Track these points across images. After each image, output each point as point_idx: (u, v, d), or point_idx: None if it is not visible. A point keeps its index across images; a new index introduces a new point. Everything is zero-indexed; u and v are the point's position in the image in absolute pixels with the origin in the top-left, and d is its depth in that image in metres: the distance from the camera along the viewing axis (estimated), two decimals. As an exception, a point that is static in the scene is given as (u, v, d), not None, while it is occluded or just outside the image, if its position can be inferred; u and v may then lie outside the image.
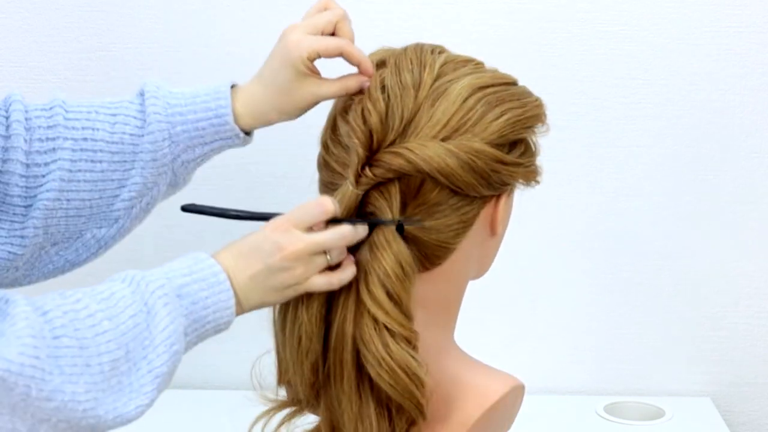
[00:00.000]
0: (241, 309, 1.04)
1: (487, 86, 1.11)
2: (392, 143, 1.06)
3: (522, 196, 1.96)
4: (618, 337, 2.05)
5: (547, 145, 1.99)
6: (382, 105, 1.07)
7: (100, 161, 1.16)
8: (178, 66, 1.94)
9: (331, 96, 1.14)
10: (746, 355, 2.06)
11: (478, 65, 1.16)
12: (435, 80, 1.09)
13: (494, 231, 1.12)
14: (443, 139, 1.06)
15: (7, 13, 1.93)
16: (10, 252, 1.15)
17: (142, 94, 1.21)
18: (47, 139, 1.17)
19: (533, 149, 1.16)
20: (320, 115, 1.17)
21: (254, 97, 1.18)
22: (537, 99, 1.17)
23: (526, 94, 1.16)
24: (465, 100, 1.08)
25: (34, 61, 1.94)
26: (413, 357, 1.05)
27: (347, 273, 1.05)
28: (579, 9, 1.94)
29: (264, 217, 1.06)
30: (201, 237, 1.99)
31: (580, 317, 2.05)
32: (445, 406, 1.10)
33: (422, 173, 1.05)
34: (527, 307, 2.05)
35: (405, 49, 1.13)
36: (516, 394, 1.16)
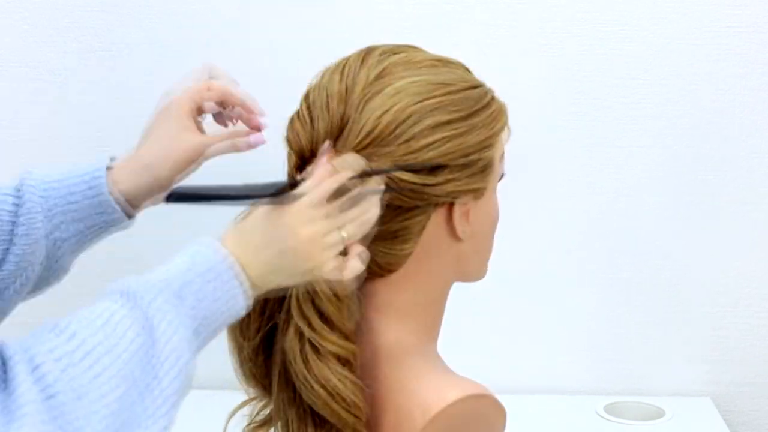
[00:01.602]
0: (256, 293, 0.99)
1: (427, 95, 1.04)
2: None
3: (522, 196, 1.97)
4: (618, 337, 2.06)
5: (547, 145, 2.00)
6: (306, 117, 1.06)
7: None
8: (178, 66, 1.93)
9: (218, 151, 1.13)
10: (746, 355, 2.06)
11: (434, 65, 1.07)
12: (368, 85, 1.05)
13: (455, 237, 1.08)
14: (364, 149, 1.03)
15: (7, 13, 1.93)
16: None
17: (19, 178, 1.16)
18: None
19: (478, 165, 1.07)
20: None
21: (138, 157, 1.14)
22: (490, 114, 1.08)
23: (479, 106, 1.07)
24: (391, 108, 1.03)
25: (34, 61, 1.94)
26: (342, 376, 1.02)
27: (357, 262, 1.00)
28: (579, 9, 1.94)
29: (269, 191, 0.99)
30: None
31: (581, 317, 2.05)
32: (395, 416, 1.06)
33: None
34: (527, 307, 2.05)
35: (351, 55, 1.09)
36: (482, 404, 1.06)
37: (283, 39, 1.94)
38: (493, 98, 1.10)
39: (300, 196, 0.98)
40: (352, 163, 1.00)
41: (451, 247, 1.09)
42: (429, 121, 1.03)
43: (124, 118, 1.94)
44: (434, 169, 1.04)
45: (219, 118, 1.23)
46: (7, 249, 1.12)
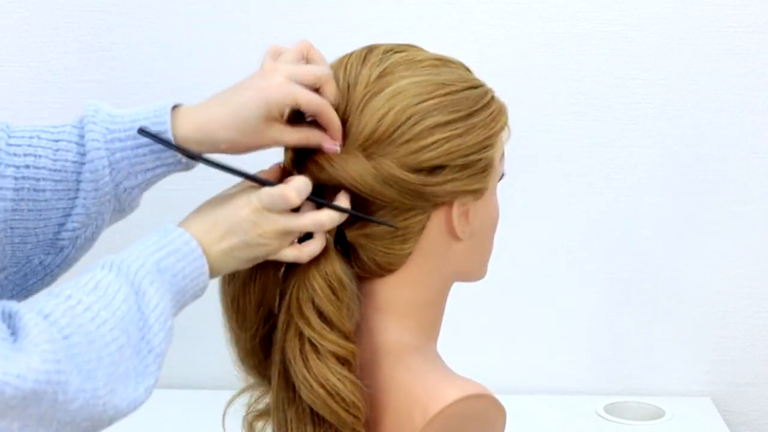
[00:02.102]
0: (213, 275, 1.06)
1: (428, 95, 1.04)
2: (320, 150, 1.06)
3: (522, 196, 1.97)
4: (618, 337, 2.06)
5: (547, 145, 2.00)
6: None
7: (44, 190, 1.11)
8: (178, 66, 1.94)
9: (290, 145, 1.10)
10: (746, 355, 2.06)
11: (435, 65, 1.07)
12: (369, 84, 1.06)
13: (455, 236, 1.08)
14: (365, 149, 1.04)
15: (7, 13, 1.93)
16: None
17: (81, 119, 1.14)
18: None
19: (478, 166, 1.07)
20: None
21: (209, 121, 1.11)
22: (490, 115, 1.08)
23: (478, 107, 1.07)
24: (392, 109, 1.03)
25: (34, 61, 1.94)
26: (342, 376, 1.02)
27: (316, 246, 1.05)
28: (579, 9, 1.94)
29: (247, 176, 1.06)
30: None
31: (581, 317, 2.05)
32: (395, 416, 1.06)
33: (343, 186, 1.04)
34: (527, 307, 2.05)
35: (353, 52, 1.10)
36: (482, 404, 1.05)
37: (284, 39, 1.94)
38: (493, 98, 1.09)
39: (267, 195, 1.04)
40: (300, 188, 1.04)
41: (451, 246, 1.09)
42: (429, 122, 1.04)
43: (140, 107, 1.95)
44: (434, 169, 1.04)
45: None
46: (73, 203, 1.12)
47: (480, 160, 1.06)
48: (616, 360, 2.07)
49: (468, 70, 1.10)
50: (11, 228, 1.12)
